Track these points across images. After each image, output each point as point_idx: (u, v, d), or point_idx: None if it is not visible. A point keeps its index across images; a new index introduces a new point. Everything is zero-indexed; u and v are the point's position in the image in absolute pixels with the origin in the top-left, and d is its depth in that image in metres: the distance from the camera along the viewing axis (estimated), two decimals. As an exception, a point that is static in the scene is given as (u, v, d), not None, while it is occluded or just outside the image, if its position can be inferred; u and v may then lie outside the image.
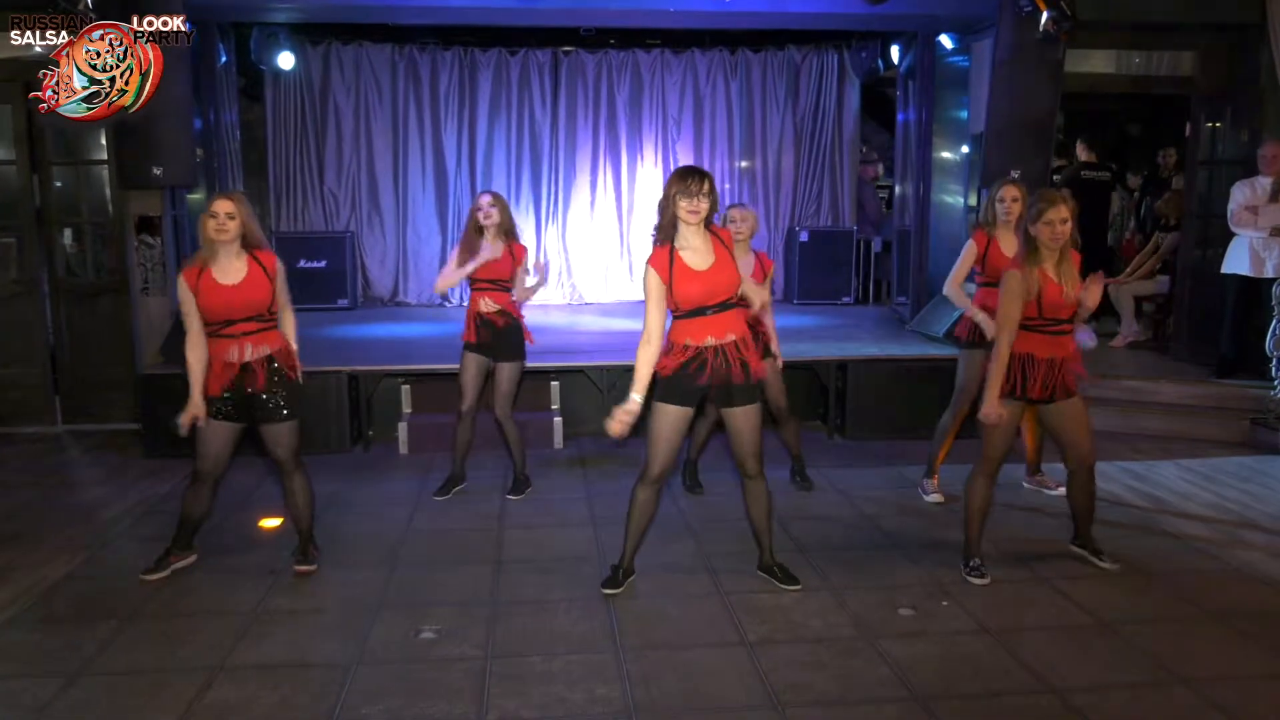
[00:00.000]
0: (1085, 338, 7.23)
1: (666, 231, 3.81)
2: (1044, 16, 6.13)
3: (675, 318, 3.87)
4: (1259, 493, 5.52)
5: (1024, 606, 4.01)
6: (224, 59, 7.86)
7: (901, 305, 8.58)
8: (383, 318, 8.83)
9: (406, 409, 6.65)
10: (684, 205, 3.73)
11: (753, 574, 4.30)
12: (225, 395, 4.09)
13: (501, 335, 5.24)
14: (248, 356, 4.07)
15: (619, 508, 5.08)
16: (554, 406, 6.69)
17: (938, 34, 7.88)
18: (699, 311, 3.81)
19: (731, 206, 5.13)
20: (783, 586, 4.13)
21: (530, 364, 6.66)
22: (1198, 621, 3.88)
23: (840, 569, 4.37)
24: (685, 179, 3.74)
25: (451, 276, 5.24)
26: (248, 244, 4.11)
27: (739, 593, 4.11)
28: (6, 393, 7.08)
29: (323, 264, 9.23)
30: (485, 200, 5.17)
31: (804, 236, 9.71)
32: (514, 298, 5.28)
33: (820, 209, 10.28)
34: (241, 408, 4.14)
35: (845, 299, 9.72)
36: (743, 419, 3.94)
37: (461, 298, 9.81)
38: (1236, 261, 6.95)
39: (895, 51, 8.83)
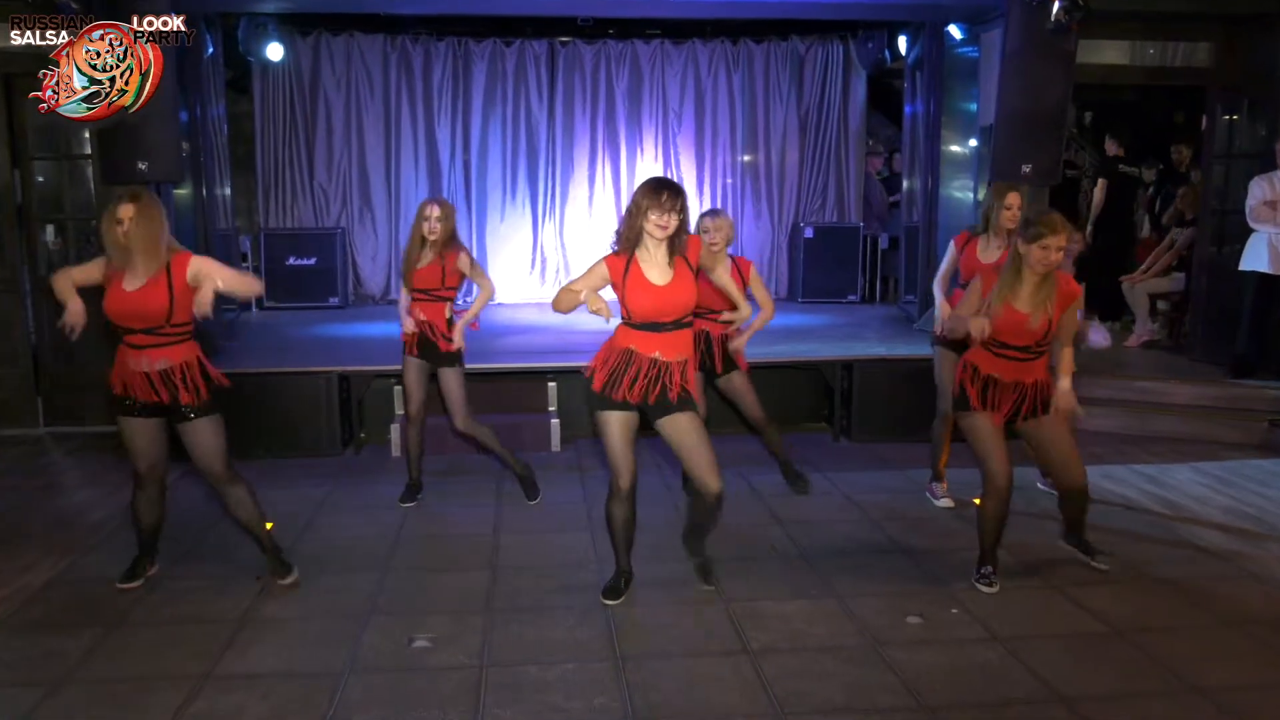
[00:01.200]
0: (1098, 337, 7.27)
1: (629, 243, 3.76)
2: (1055, 6, 6.14)
3: (626, 324, 3.85)
4: (1277, 497, 5.53)
5: (1035, 614, 4.01)
6: (210, 50, 7.86)
7: (909, 303, 8.59)
8: (374, 316, 8.84)
9: (399, 410, 6.65)
10: (653, 219, 3.66)
11: (755, 580, 4.30)
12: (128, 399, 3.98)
13: (434, 343, 5.19)
14: (145, 369, 3.95)
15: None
16: (551, 408, 6.69)
17: (946, 24, 7.89)
18: (654, 326, 3.77)
19: (704, 215, 5.08)
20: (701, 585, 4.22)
21: (526, 364, 6.70)
22: (1213, 629, 3.88)
23: (846, 575, 4.38)
24: (658, 192, 3.67)
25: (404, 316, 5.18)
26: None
27: (741, 599, 4.12)
28: (-14, 394, 7.09)
29: (312, 261, 9.24)
30: (434, 213, 5.01)
31: (808, 233, 9.72)
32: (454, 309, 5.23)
33: (825, 204, 10.30)
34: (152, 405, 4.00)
35: (851, 297, 9.73)
36: (686, 423, 3.84)
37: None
38: (1254, 258, 6.95)
39: (902, 42, 8.84)
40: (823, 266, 9.68)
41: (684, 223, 3.74)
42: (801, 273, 9.76)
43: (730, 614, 3.98)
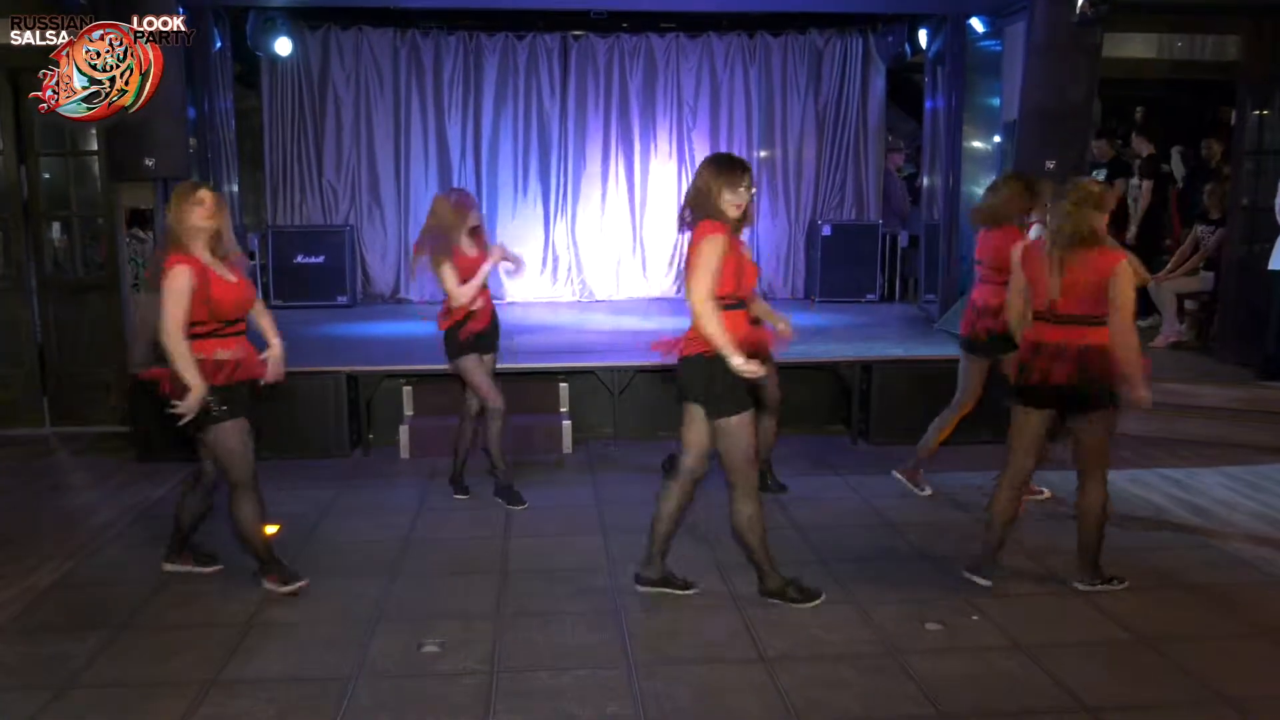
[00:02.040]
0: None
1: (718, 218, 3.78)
2: (1081, -1, 6.12)
3: (726, 307, 3.78)
4: (1308, 502, 5.49)
5: (1058, 621, 4.00)
6: (219, 45, 7.89)
7: (929, 303, 8.57)
8: (383, 316, 8.87)
9: (408, 411, 6.68)
10: (729, 198, 3.74)
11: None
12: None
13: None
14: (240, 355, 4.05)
15: (630, 515, 5.11)
16: (563, 409, 6.70)
17: (968, 16, 7.86)
18: (738, 304, 3.84)
19: None
20: (677, 591, 4.19)
21: (538, 365, 6.71)
22: (1242, 637, 3.86)
23: (864, 581, 4.37)
24: (732, 169, 3.75)
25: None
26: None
27: (756, 606, 4.11)
28: (-9, 394, 7.15)
29: (321, 259, 9.28)
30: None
31: (826, 230, 9.70)
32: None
33: (844, 202, 10.27)
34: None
35: (870, 296, 9.71)
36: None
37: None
38: (1285, 257, 6.90)
39: (923, 35, 8.81)
40: (841, 265, 9.65)
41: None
42: (819, 271, 9.74)
43: (746, 620, 3.98)
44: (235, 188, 8.65)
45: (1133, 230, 8.98)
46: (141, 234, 6.80)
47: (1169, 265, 8.53)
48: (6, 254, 7.19)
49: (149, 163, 5.92)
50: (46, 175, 7.22)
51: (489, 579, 4.42)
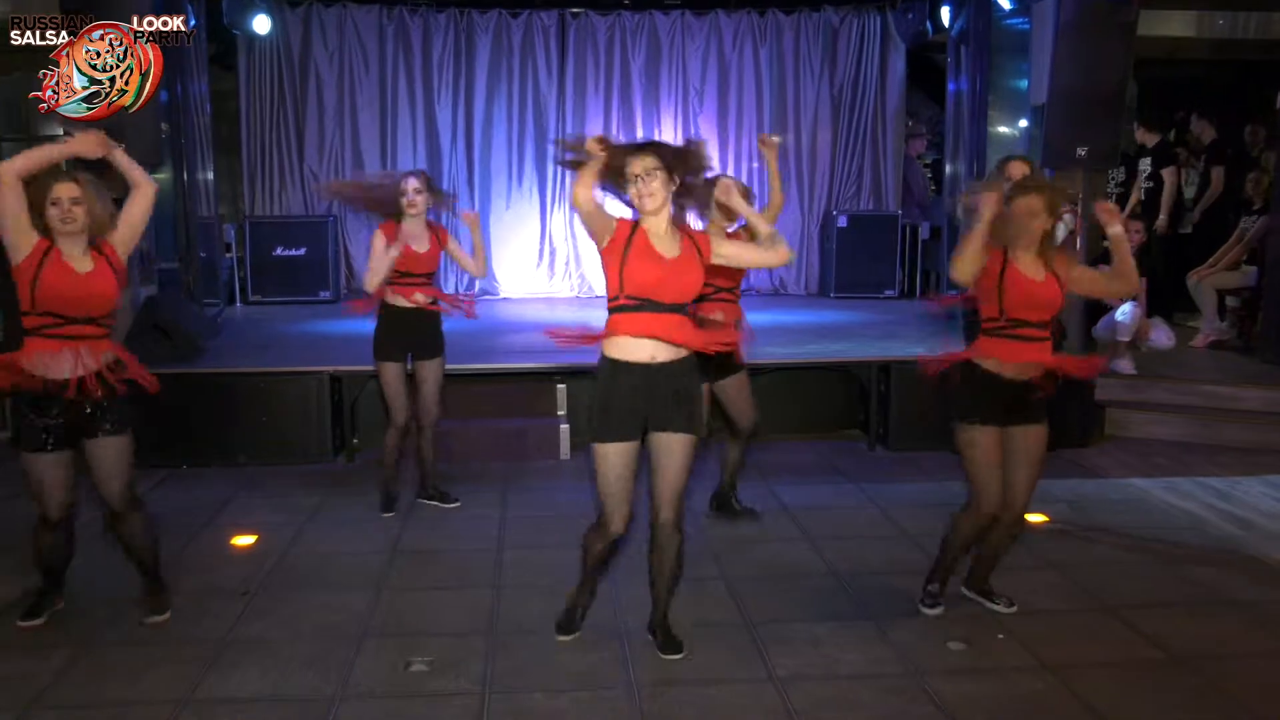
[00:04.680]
0: (1161, 336, 7.23)
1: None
2: (1115, -28, 6.13)
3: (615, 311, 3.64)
4: (1357, 513, 5.50)
5: (1088, 641, 4.00)
6: (192, 23, 7.91)
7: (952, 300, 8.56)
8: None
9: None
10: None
11: (782, 601, 4.31)
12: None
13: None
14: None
15: (632, 527, 5.11)
16: (561, 412, 6.71)
17: (994, -8, 7.88)
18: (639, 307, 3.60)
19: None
20: (662, 655, 3.85)
21: (534, 365, 6.72)
22: (1285, 658, 3.87)
23: (881, 597, 4.37)
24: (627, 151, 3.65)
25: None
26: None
27: (766, 623, 4.12)
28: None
29: (301, 252, 9.31)
30: (411, 184, 5.13)
31: (842, 221, 9.72)
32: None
33: (860, 190, 10.29)
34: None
35: (888, 292, 9.73)
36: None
37: (457, 287, 9.88)
38: (1332, 250, 6.90)
39: (946, 13, 8.82)
40: (857, 259, 9.67)
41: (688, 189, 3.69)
42: (834, 265, 9.75)
43: (755, 638, 3.99)
44: (210, 175, 8.70)
45: (1162, 219, 8.96)
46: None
47: (1210, 260, 8.52)
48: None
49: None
50: None
51: (481, 593, 4.43)
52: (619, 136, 10.03)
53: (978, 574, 4.25)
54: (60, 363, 3.78)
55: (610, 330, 3.61)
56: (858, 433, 7.01)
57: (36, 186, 3.74)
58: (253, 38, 9.49)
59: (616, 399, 3.58)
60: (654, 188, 3.56)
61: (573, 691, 3.59)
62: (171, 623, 4.14)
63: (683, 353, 3.61)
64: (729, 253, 3.76)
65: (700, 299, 4.84)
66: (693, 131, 10.08)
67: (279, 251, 9.27)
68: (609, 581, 4.53)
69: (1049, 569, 4.64)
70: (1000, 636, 4.00)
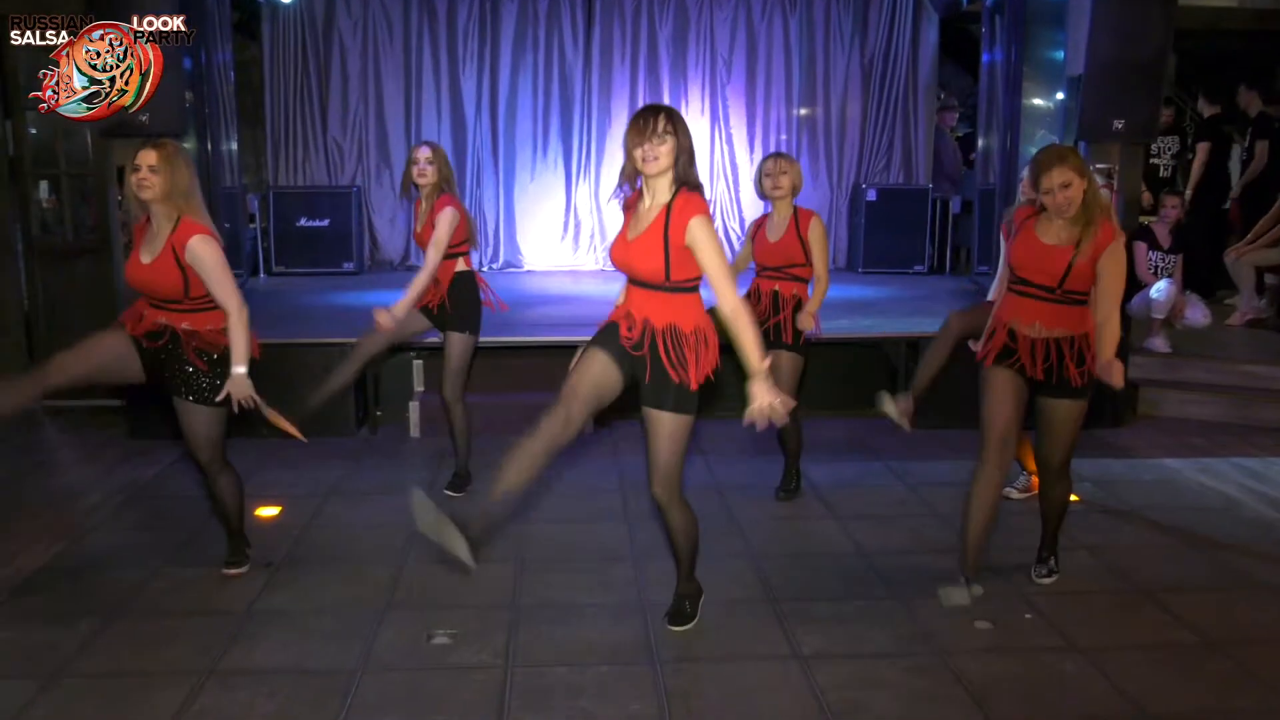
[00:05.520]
0: (1197, 314, 7.15)
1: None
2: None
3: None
4: (1397, 496, 5.43)
5: (1118, 622, 3.98)
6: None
7: (983, 275, 8.50)
8: (393, 283, 8.83)
9: (419, 387, 6.71)
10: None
11: (807, 579, 4.30)
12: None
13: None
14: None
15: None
16: (585, 386, 6.70)
17: (1031, -40, 7.76)
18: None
19: (767, 158, 5.06)
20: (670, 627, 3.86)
21: (558, 338, 6.71)
22: (1321, 642, 3.83)
23: (907, 575, 4.36)
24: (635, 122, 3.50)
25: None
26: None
27: (791, 599, 4.12)
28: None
29: (325, 223, 9.32)
30: (423, 154, 5.05)
31: (871, 195, 9.64)
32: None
33: (890, 164, 10.20)
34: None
35: (918, 267, 9.65)
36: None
37: (482, 261, 9.87)
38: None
39: (981, -18, 8.70)
40: (887, 233, 9.59)
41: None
42: (863, 240, 9.69)
43: (779, 615, 3.99)
44: (234, 145, 8.70)
45: (1188, 193, 8.86)
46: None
47: (1248, 236, 8.42)
48: (-9, 214, 7.26)
49: (142, 118, 5.94)
50: (33, 131, 7.28)
51: (505, 567, 4.44)
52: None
53: (1046, 538, 4.31)
54: (145, 322, 4.02)
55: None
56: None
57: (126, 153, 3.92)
58: (276, 6, 9.48)
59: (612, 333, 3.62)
60: (660, 152, 3.41)
61: (595, 666, 3.60)
62: (195, 594, 4.19)
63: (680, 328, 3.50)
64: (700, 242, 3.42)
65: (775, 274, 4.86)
66: (720, 103, 10.01)
67: (302, 222, 9.28)
68: (633, 557, 4.54)
69: (1079, 549, 4.61)
70: (1028, 616, 3.98)
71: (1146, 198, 8.27)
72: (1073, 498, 5.19)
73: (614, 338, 3.61)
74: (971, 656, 3.68)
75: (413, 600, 4.15)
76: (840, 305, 7.83)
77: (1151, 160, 9.05)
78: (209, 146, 7.65)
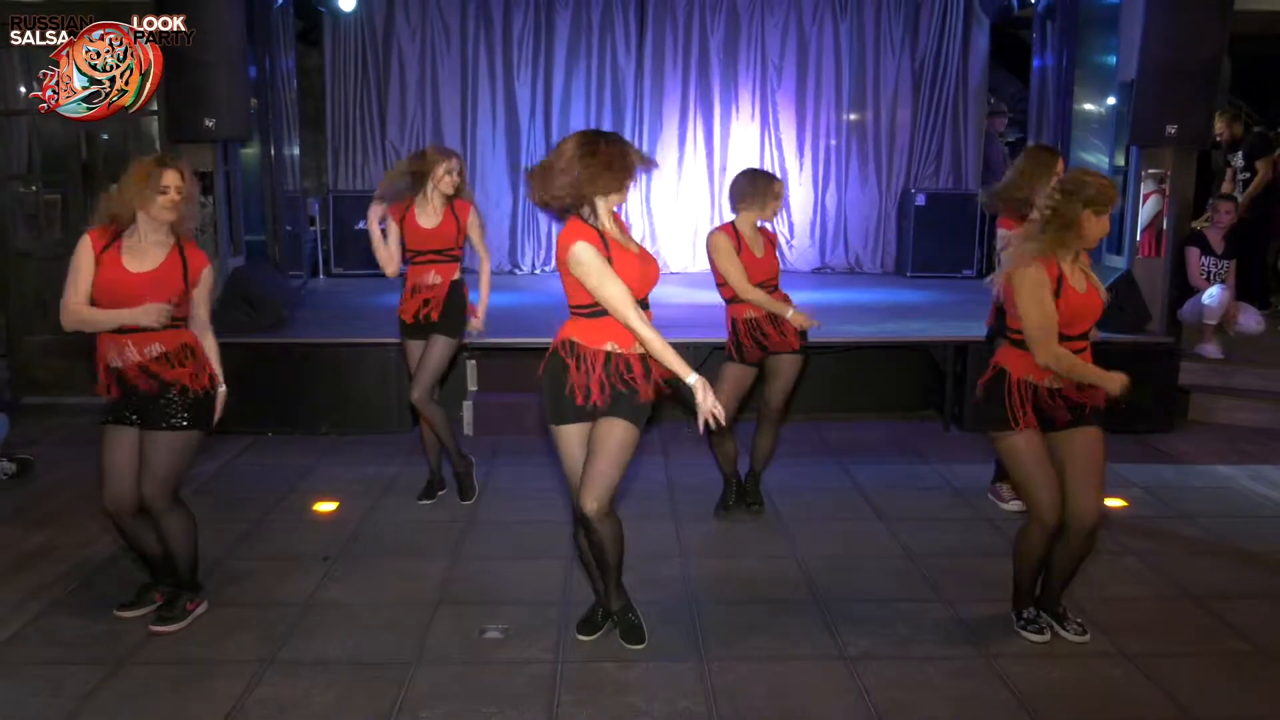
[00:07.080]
0: (1250, 321, 6.99)
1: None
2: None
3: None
4: None
5: (1169, 628, 3.91)
6: (280, 1, 8.03)
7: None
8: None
9: (472, 386, 6.75)
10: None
11: (854, 581, 4.28)
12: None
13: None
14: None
15: (705, 502, 5.12)
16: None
17: (1083, -35, 7.65)
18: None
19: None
20: (626, 645, 3.73)
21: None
22: (1377, 653, 3.74)
23: (955, 578, 4.31)
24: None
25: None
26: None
27: (838, 600, 4.09)
28: (50, 360, 7.38)
29: (382, 226, 9.37)
30: (457, 164, 5.00)
31: (920, 200, 9.55)
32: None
33: (940, 169, 10.10)
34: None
35: (966, 272, 9.55)
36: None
37: (535, 265, 9.93)
38: None
39: (1032, -13, 8.59)
40: (935, 237, 9.50)
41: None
42: (911, 244, 9.60)
43: (826, 616, 3.96)
44: (296, 150, 8.84)
45: (1241, 202, 8.67)
46: (202, 198, 6.95)
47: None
48: (65, 219, 7.39)
49: (209, 123, 6.04)
50: (105, 136, 7.41)
51: (555, 564, 4.46)
52: (696, 113, 9.99)
53: (1049, 591, 3.83)
54: (128, 367, 3.80)
55: None
56: (933, 413, 6.92)
57: (143, 173, 3.65)
58: (337, 14, 9.59)
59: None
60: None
61: (643, 663, 3.60)
62: (255, 585, 4.25)
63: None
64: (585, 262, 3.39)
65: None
66: (770, 109, 9.97)
67: (361, 225, 9.31)
68: (680, 556, 4.53)
69: (1128, 555, 4.54)
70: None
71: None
72: (1123, 503, 5.13)
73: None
74: (1019, 661, 3.63)
75: (465, 595, 4.17)
76: (888, 309, 7.77)
77: (1240, 177, 8.84)
78: (272, 151, 7.77)
